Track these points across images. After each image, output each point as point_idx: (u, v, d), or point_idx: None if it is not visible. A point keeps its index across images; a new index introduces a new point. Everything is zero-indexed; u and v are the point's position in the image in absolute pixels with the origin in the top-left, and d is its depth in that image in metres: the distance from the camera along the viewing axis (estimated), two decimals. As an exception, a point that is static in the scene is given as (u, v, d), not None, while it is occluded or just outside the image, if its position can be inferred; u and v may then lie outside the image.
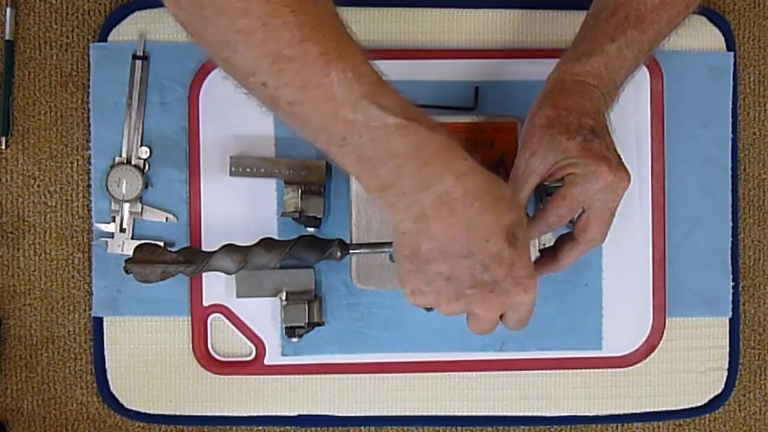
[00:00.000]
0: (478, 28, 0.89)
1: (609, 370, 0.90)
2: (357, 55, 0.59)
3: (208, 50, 0.61)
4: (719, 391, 0.91)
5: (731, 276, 0.91)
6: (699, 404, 0.91)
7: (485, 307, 0.66)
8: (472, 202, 0.62)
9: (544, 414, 0.90)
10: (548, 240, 0.85)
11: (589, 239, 0.74)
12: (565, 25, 0.89)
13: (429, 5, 0.89)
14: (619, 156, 0.72)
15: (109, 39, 0.88)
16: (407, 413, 0.90)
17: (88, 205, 0.89)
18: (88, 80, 0.89)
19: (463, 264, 0.63)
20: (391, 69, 0.87)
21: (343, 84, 0.58)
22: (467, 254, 0.63)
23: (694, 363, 0.91)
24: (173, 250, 0.79)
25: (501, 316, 0.69)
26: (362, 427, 0.91)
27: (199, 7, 0.58)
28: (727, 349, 0.91)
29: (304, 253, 0.79)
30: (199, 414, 0.89)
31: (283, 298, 0.85)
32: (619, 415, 0.91)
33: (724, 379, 0.91)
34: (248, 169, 0.86)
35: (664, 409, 0.91)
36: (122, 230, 0.88)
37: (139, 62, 0.88)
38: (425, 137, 0.60)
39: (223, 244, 0.79)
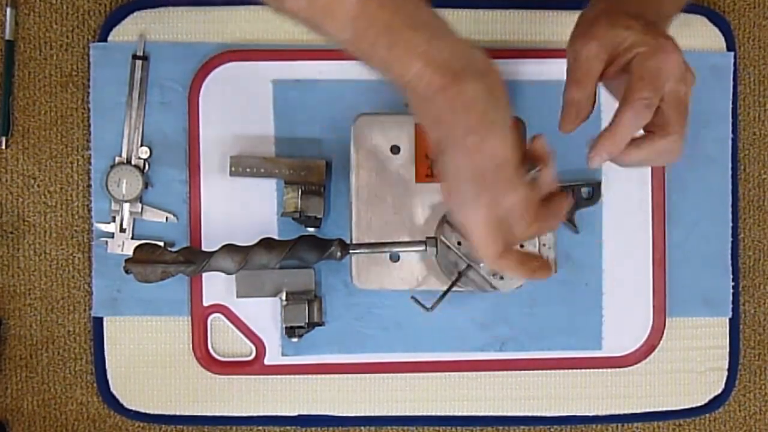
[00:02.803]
0: (478, 28, 0.89)
1: (609, 370, 0.90)
2: None
3: None
4: (719, 391, 0.91)
5: (731, 276, 0.91)
6: (699, 404, 0.91)
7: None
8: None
9: (544, 414, 0.90)
10: (548, 240, 0.85)
11: (671, 131, 0.67)
12: (565, 25, 0.89)
13: (431, 5, 0.89)
14: None
15: (109, 39, 0.88)
16: (407, 413, 0.90)
17: (88, 205, 0.89)
18: (88, 80, 0.89)
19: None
20: (391, 69, 0.87)
21: None
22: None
23: (694, 363, 0.91)
24: (173, 250, 0.79)
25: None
26: (362, 427, 0.91)
27: None
28: (727, 349, 0.91)
29: (304, 253, 0.79)
30: (199, 414, 0.89)
31: (283, 298, 0.85)
32: (619, 415, 0.91)
33: (724, 379, 0.91)
34: (248, 169, 0.86)
35: (664, 409, 0.91)
36: (122, 230, 0.88)
37: (139, 62, 0.88)
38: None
39: (223, 244, 0.79)
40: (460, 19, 0.89)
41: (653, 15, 0.69)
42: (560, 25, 0.89)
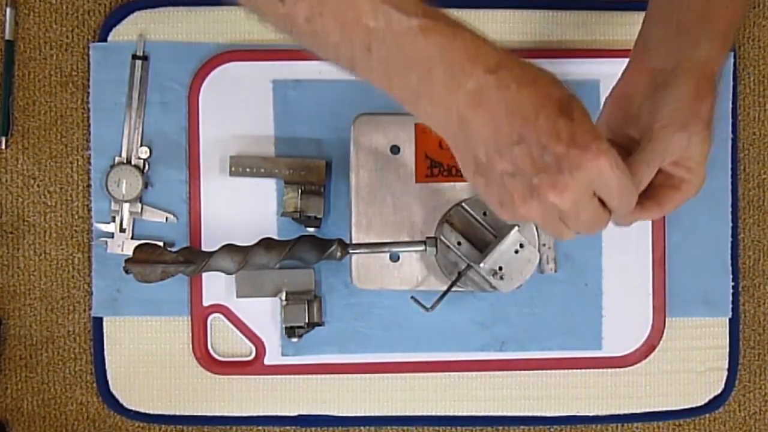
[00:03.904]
0: (480, 28, 0.89)
1: (609, 370, 0.90)
2: None
3: None
4: (719, 391, 0.91)
5: (731, 276, 0.91)
6: (699, 404, 0.91)
7: (560, 192, 0.58)
8: (508, 85, 0.57)
9: (544, 414, 0.90)
10: (548, 240, 0.85)
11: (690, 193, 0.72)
12: (566, 26, 0.89)
13: (432, 5, 0.89)
14: None
15: (108, 39, 0.88)
16: (407, 413, 0.90)
17: (88, 205, 0.89)
18: (88, 80, 0.89)
19: (519, 151, 0.57)
20: (391, 69, 0.87)
21: None
22: (519, 140, 0.57)
23: (694, 363, 0.91)
24: (173, 250, 0.79)
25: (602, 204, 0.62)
26: (362, 427, 0.91)
27: None
28: (727, 349, 0.91)
29: (304, 253, 0.79)
30: (199, 414, 0.89)
31: (283, 298, 0.85)
32: (619, 415, 0.91)
33: (724, 379, 0.91)
34: (248, 169, 0.86)
35: (664, 409, 0.91)
36: (122, 230, 0.88)
37: (138, 62, 0.88)
38: (450, 36, 0.58)
39: (223, 244, 0.79)
40: (463, 20, 0.89)
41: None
42: (561, 25, 0.89)
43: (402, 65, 0.58)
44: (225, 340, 0.89)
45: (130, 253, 0.79)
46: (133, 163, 0.88)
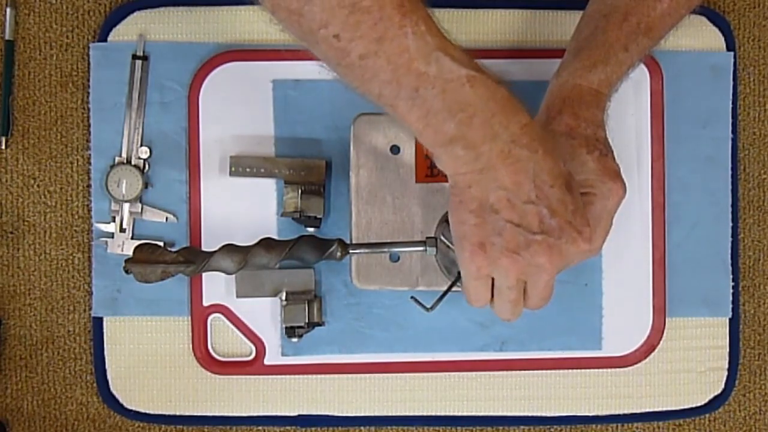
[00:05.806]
0: (478, 28, 0.89)
1: (609, 370, 0.90)
2: (424, 8, 0.60)
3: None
4: (719, 391, 0.91)
5: (731, 276, 0.91)
6: (699, 404, 0.91)
7: (551, 256, 0.64)
8: (536, 148, 0.62)
9: (544, 414, 0.90)
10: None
11: (596, 247, 0.75)
12: (566, 25, 0.89)
13: (429, 5, 0.89)
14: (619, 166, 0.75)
15: (108, 39, 0.88)
16: (407, 413, 0.90)
17: (88, 205, 0.89)
18: (88, 80, 0.89)
19: (531, 209, 0.63)
20: (391, 69, 0.87)
21: (418, 36, 0.59)
22: (534, 200, 0.63)
23: (694, 363, 0.91)
24: (173, 250, 0.79)
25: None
26: (362, 427, 0.91)
27: None
28: (727, 349, 0.91)
29: (304, 253, 0.79)
30: (199, 414, 0.89)
31: (283, 298, 0.85)
32: (619, 415, 0.91)
33: (724, 379, 0.91)
34: (248, 169, 0.86)
35: (664, 409, 0.91)
36: (122, 230, 0.88)
37: (138, 62, 0.88)
38: (493, 89, 0.61)
39: (223, 244, 0.79)
40: (460, 19, 0.89)
41: (614, 90, 0.77)
42: (560, 25, 0.89)
43: (444, 110, 0.60)
44: (225, 340, 0.89)
45: (130, 253, 0.79)
46: (133, 163, 0.88)
